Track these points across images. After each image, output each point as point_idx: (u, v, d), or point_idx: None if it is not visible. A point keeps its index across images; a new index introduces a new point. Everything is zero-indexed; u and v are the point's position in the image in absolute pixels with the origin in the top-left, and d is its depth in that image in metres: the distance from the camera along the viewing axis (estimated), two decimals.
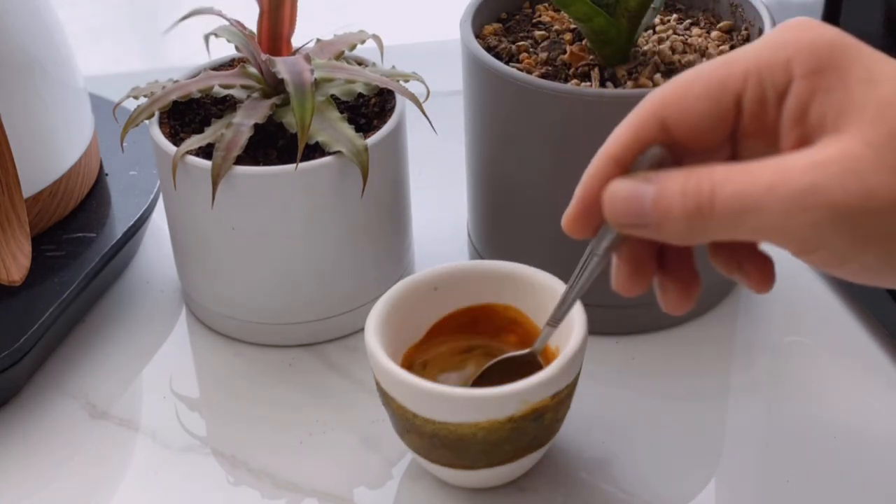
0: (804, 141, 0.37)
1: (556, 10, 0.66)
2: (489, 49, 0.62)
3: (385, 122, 0.61)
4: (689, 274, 0.43)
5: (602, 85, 0.59)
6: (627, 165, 0.40)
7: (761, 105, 0.38)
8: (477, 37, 0.63)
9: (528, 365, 0.52)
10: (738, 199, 0.36)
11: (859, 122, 0.35)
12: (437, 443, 0.50)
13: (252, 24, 0.61)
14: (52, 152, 0.66)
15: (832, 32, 0.37)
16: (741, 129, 0.39)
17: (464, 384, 0.53)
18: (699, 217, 0.37)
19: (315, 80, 0.57)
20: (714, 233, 0.37)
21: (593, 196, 0.40)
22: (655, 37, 0.63)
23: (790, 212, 0.35)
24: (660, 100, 0.39)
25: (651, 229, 0.38)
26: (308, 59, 0.58)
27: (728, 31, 0.64)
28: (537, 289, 0.54)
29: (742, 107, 0.38)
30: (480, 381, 0.52)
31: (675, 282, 0.43)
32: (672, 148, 0.39)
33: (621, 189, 0.39)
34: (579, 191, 0.41)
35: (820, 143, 0.36)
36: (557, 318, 0.49)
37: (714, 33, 0.64)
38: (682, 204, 0.37)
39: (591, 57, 0.61)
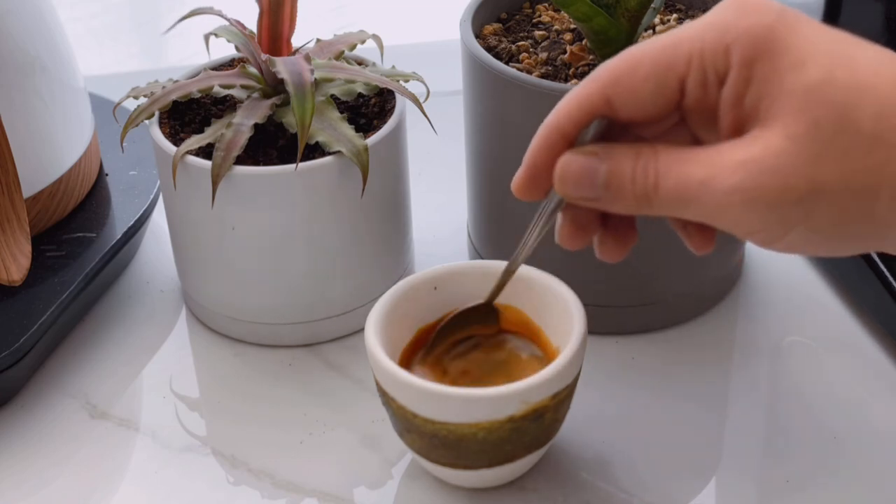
0: (738, 126, 0.39)
1: (556, 10, 0.66)
2: (489, 49, 0.62)
3: (385, 122, 0.61)
4: (628, 229, 0.45)
5: None
6: (573, 136, 0.42)
7: (703, 89, 0.39)
8: (477, 37, 0.63)
9: (485, 314, 0.53)
10: (678, 190, 0.39)
11: (784, 114, 0.37)
12: (437, 443, 0.50)
13: (252, 24, 0.61)
14: (52, 152, 0.66)
15: (772, 15, 0.38)
16: (685, 108, 0.41)
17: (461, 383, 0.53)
18: (646, 200, 0.40)
19: (315, 80, 0.57)
20: (660, 212, 0.40)
21: (540, 165, 0.43)
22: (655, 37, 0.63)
23: (721, 206, 0.38)
24: (607, 77, 0.41)
25: (600, 203, 0.41)
26: (308, 59, 0.58)
27: None
28: (537, 289, 0.54)
29: (685, 89, 0.40)
30: (440, 338, 0.53)
31: (614, 236, 0.45)
32: (616, 120, 0.41)
33: (573, 165, 0.41)
34: (527, 159, 0.43)
35: (749, 136, 0.38)
36: (510, 269, 0.50)
37: None
38: (632, 189, 0.40)
39: (591, 57, 0.61)
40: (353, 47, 0.64)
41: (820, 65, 0.37)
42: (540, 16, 0.66)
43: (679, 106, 0.41)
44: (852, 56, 0.37)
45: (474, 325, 0.54)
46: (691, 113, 0.41)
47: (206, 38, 0.63)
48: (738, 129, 0.39)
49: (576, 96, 0.41)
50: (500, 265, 0.56)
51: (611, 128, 0.42)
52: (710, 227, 0.43)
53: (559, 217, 0.45)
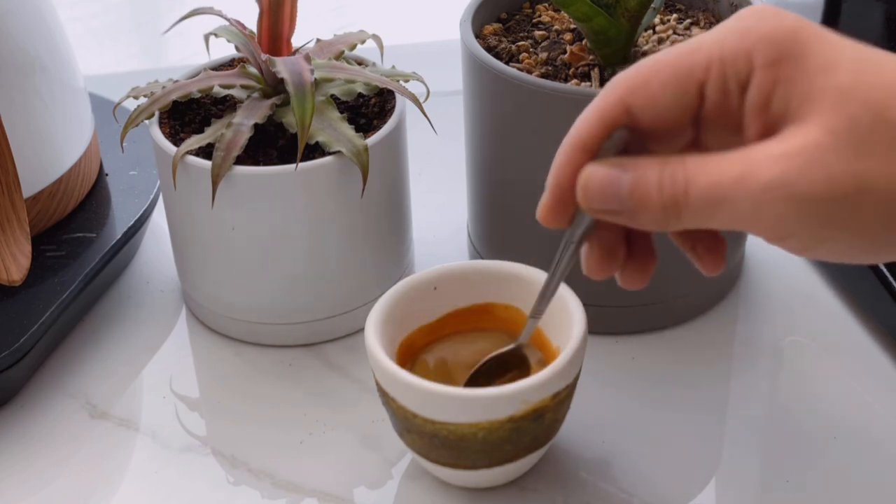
0: (768, 129, 0.38)
1: (556, 10, 0.66)
2: (489, 49, 0.62)
3: (385, 122, 0.61)
4: (649, 254, 0.44)
5: (602, 85, 0.59)
6: (595, 151, 0.40)
7: (724, 95, 0.38)
8: (477, 37, 0.63)
9: (516, 359, 0.52)
10: (711, 191, 0.37)
11: (820, 110, 0.36)
12: (437, 443, 0.50)
13: (252, 24, 0.61)
14: (52, 152, 0.66)
15: (791, 20, 0.38)
16: (703, 116, 0.40)
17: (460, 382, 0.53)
18: (674, 208, 0.38)
19: (315, 80, 0.57)
20: (688, 222, 0.38)
21: (565, 185, 0.41)
22: (655, 37, 0.63)
23: (759, 204, 0.36)
24: (625, 86, 0.40)
25: (625, 216, 0.39)
26: (308, 59, 0.58)
27: None
28: (536, 288, 0.54)
29: (705, 95, 0.39)
30: (472, 384, 0.52)
31: (636, 262, 0.44)
32: (635, 132, 0.40)
33: (596, 175, 0.40)
34: (551, 180, 0.42)
35: (784, 133, 0.37)
36: (539, 309, 0.49)
37: None
38: (659, 196, 0.38)
39: (591, 57, 0.61)
40: (353, 47, 0.64)
41: (848, 69, 0.36)
42: (540, 16, 0.66)
43: (696, 117, 0.40)
44: (877, 61, 0.37)
45: (505, 370, 0.52)
46: (710, 123, 0.40)
47: (206, 38, 0.63)
48: (768, 134, 0.38)
49: (595, 109, 0.40)
50: (501, 265, 0.56)
51: (628, 147, 0.40)
52: (720, 247, 0.43)
53: (584, 247, 0.43)
